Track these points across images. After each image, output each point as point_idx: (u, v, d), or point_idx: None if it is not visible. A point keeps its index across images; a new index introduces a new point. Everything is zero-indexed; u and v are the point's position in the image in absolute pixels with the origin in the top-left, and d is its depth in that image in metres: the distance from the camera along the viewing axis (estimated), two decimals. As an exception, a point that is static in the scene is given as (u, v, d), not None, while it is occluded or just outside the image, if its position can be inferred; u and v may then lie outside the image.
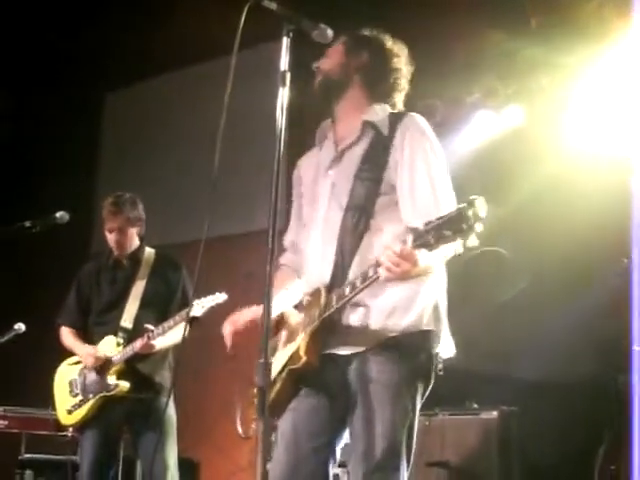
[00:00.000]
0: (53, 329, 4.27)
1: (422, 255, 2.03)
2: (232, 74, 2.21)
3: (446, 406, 4.50)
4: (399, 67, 2.53)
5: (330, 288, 2.33)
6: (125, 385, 3.95)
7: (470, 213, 1.88)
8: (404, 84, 2.56)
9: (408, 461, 2.30)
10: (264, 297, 2.04)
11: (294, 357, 2.32)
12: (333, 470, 2.42)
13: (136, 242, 4.18)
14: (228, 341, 2.47)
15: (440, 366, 2.38)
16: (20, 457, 5.10)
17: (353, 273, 2.31)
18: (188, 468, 4.96)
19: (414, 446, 2.32)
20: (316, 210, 2.49)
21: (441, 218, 1.93)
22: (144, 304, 4.08)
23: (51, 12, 6.56)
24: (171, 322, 3.87)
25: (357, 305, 2.33)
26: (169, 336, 3.92)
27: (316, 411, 2.39)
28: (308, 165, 2.63)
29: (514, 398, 4.52)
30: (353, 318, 2.34)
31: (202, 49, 6.34)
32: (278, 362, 2.39)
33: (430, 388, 2.38)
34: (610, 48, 4.71)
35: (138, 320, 4.03)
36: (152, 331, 3.87)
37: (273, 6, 2.20)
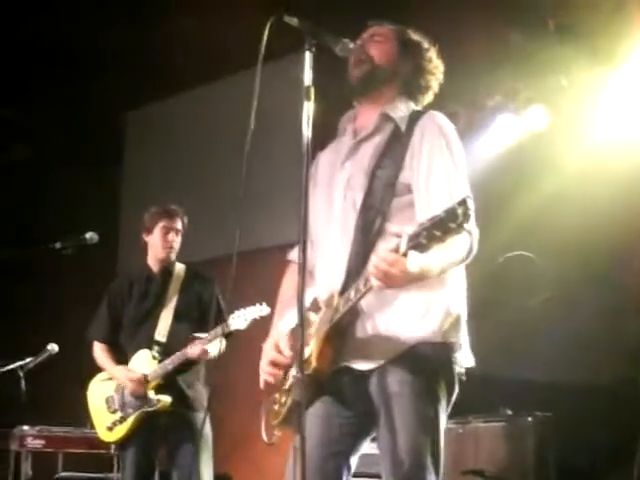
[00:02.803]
0: (85, 348, 4.30)
1: (414, 257, 2.00)
2: (257, 89, 2.22)
3: (479, 413, 4.47)
4: (436, 73, 2.55)
5: (342, 292, 2.30)
6: (167, 400, 3.97)
7: (460, 212, 1.88)
8: (435, 86, 2.57)
9: (437, 472, 2.27)
10: (297, 310, 2.05)
11: (306, 363, 2.27)
12: None
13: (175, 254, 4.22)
14: (266, 379, 2.45)
15: (462, 372, 2.35)
16: (57, 476, 5.15)
17: None
18: (222, 482, 4.97)
19: (442, 457, 2.29)
20: (331, 205, 2.46)
21: (433, 219, 1.92)
22: (177, 317, 4.11)
23: (70, 32, 6.63)
24: (213, 333, 3.89)
25: (369, 315, 2.30)
26: (211, 347, 3.94)
27: (332, 419, 2.37)
28: (326, 157, 2.60)
29: (548, 403, 4.47)
30: (367, 329, 2.31)
31: (222, 65, 6.37)
32: (294, 368, 2.38)
33: (454, 397, 2.35)
34: (630, 47, 4.68)
35: (172, 334, 4.06)
36: (203, 338, 3.89)
37: (295, 22, 2.21)
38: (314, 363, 2.26)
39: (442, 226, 1.89)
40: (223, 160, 6.03)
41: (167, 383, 3.99)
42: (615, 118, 4.86)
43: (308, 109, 2.16)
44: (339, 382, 2.33)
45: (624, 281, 4.73)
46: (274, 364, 2.42)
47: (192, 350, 3.91)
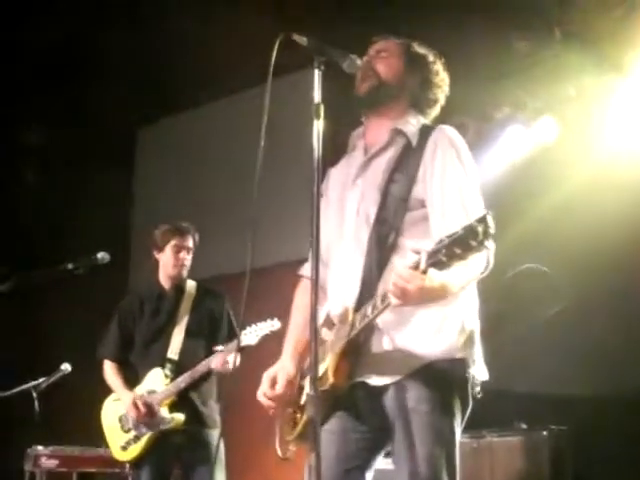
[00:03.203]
0: (97, 367, 4.30)
1: (434, 275, 2.00)
2: (267, 105, 2.22)
3: (494, 427, 4.44)
4: (442, 86, 2.56)
5: (357, 308, 2.30)
6: (180, 418, 3.97)
7: (480, 229, 1.85)
8: (442, 99, 2.58)
9: None
10: (310, 327, 2.04)
11: (322, 379, 2.29)
12: None
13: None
14: (268, 407, 2.47)
15: (477, 389, 2.35)
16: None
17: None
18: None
19: (458, 472, 2.29)
20: (343, 220, 2.47)
21: (451, 236, 1.90)
22: (189, 335, 4.11)
23: (79, 47, 6.66)
24: (230, 345, 3.92)
25: (385, 332, 2.30)
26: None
27: (348, 434, 2.37)
28: (337, 174, 2.61)
29: (563, 417, 4.44)
30: (382, 346, 2.31)
31: (232, 81, 6.39)
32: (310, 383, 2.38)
33: (469, 412, 2.34)
34: (638, 54, 4.67)
35: (184, 351, 4.07)
36: (223, 349, 3.92)
37: (304, 41, 2.22)
38: (331, 379, 2.26)
39: (462, 244, 1.88)
40: (233, 176, 6.03)
41: (180, 401, 3.99)
42: (624, 127, 4.85)
43: (318, 126, 2.17)
44: (354, 397, 2.33)
45: (637, 291, 4.70)
46: (266, 396, 2.46)
47: (215, 361, 3.92)
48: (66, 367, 4.79)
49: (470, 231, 1.87)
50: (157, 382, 4.03)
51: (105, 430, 4.19)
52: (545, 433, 4.32)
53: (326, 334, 2.39)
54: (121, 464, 4.46)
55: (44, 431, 4.88)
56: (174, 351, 4.07)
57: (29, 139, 7.27)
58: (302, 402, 2.41)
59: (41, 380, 4.81)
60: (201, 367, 3.96)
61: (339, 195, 2.54)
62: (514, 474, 4.32)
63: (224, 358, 3.91)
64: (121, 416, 4.12)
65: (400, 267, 2.04)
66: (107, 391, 4.28)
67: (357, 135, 2.61)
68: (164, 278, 4.23)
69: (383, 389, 2.31)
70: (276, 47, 2.19)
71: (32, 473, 5.11)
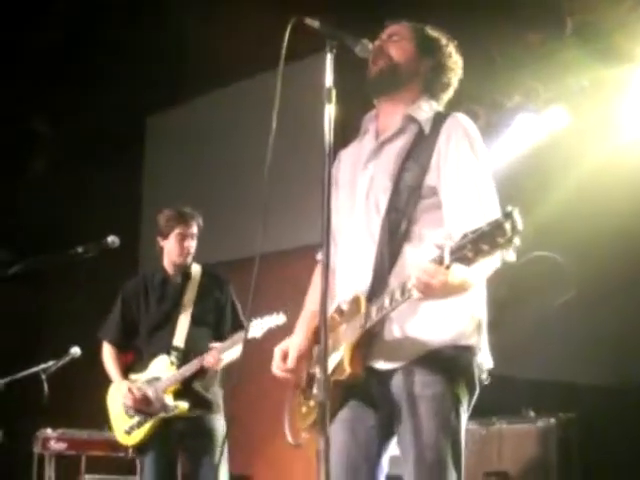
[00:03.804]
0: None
1: (458, 270, 1.98)
2: (279, 92, 2.21)
3: (502, 415, 4.45)
4: (455, 69, 2.54)
5: (369, 297, 2.30)
6: (184, 406, 3.98)
7: (508, 226, 1.83)
8: (456, 83, 2.56)
9: (458, 472, 2.28)
10: (320, 314, 2.05)
11: (339, 369, 2.29)
12: None
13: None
14: (282, 378, 2.52)
15: (484, 376, 2.36)
16: (80, 478, 5.18)
17: (392, 283, 2.26)
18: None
19: (463, 458, 2.30)
20: (353, 206, 2.46)
21: (477, 231, 1.88)
22: (195, 322, 4.11)
23: (87, 38, 6.67)
24: (230, 341, 3.92)
25: (394, 318, 2.30)
26: (227, 354, 3.96)
27: (363, 421, 2.38)
28: (348, 157, 2.59)
29: (571, 404, 4.44)
30: (390, 331, 2.31)
31: (241, 67, 6.38)
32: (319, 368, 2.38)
33: (475, 399, 2.35)
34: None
35: (190, 339, 4.06)
36: (219, 346, 3.92)
37: (316, 24, 2.21)
38: (348, 369, 2.26)
39: (489, 240, 1.85)
40: (244, 162, 6.04)
41: (185, 388, 4.00)
42: (636, 117, 4.83)
43: (329, 111, 2.16)
44: (367, 384, 2.33)
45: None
46: (280, 369, 2.51)
47: (207, 359, 3.94)
48: (75, 351, 4.81)
49: (497, 227, 1.84)
50: (162, 369, 4.04)
51: (110, 414, 4.20)
52: (553, 420, 4.32)
53: (339, 323, 2.38)
54: (126, 448, 4.47)
55: (53, 414, 4.91)
56: (180, 339, 4.06)
57: (38, 126, 7.29)
58: (314, 389, 2.40)
59: (50, 363, 4.83)
60: (195, 364, 3.95)
61: (350, 178, 2.52)
62: (522, 461, 4.33)
63: (217, 357, 3.91)
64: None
65: (424, 261, 2.03)
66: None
67: (369, 118, 2.59)
68: (169, 264, 4.21)
69: (391, 373, 2.31)
70: (288, 31, 2.19)
71: (41, 455, 5.16)
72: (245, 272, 2.40)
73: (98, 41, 6.59)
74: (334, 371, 2.31)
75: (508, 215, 1.85)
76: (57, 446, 5.12)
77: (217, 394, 4.10)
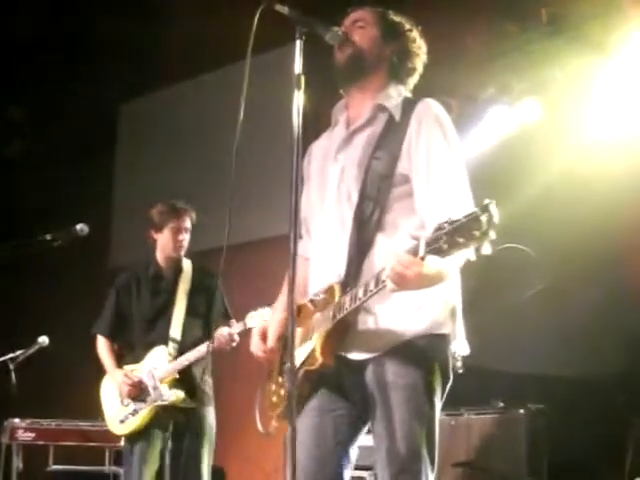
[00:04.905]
0: (75, 340, 4.29)
1: (432, 261, 1.98)
2: (247, 78, 2.21)
3: (471, 405, 4.46)
4: (420, 54, 2.54)
5: (343, 287, 2.29)
6: (180, 395, 4.04)
7: (484, 219, 1.83)
8: (421, 67, 2.56)
9: (432, 463, 2.27)
10: (287, 305, 2.05)
11: (310, 358, 2.29)
12: (351, 473, 2.39)
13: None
14: (261, 358, 2.52)
15: (459, 364, 2.36)
16: (48, 469, 5.14)
17: (366, 273, 2.26)
18: (215, 476, 4.97)
19: (437, 447, 2.30)
20: (325, 197, 2.45)
21: (453, 223, 1.87)
22: (189, 314, 4.17)
23: (63, 25, 6.60)
24: (237, 325, 3.98)
25: (367, 309, 2.29)
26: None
27: (332, 410, 2.38)
28: (319, 150, 2.58)
29: (540, 396, 4.47)
30: (364, 322, 2.31)
31: (214, 56, 6.34)
32: (295, 360, 2.37)
33: (449, 388, 2.35)
34: (622, 37, 4.66)
35: (186, 330, 4.13)
36: (231, 326, 4.00)
37: (285, 10, 2.20)
38: (320, 359, 2.26)
39: (465, 233, 1.85)
40: (215, 152, 5.99)
41: (181, 378, 4.05)
42: (609, 109, 4.85)
43: (298, 98, 2.15)
44: (337, 373, 2.33)
45: (617, 274, 4.72)
46: (260, 349, 2.51)
47: (219, 340, 3.97)
48: (43, 340, 4.78)
49: (474, 220, 1.84)
50: (160, 360, 4.07)
51: (103, 404, 4.22)
52: (522, 411, 4.34)
53: (312, 312, 2.38)
54: (101, 439, 4.55)
55: (21, 404, 4.87)
56: (176, 330, 4.12)
57: (11, 113, 7.22)
58: (284, 379, 2.40)
59: (18, 353, 4.80)
60: (205, 348, 3.99)
61: (320, 169, 2.52)
62: (491, 451, 4.35)
63: (229, 337, 3.97)
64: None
65: (399, 252, 2.02)
66: (88, 365, 4.28)
67: (339, 108, 2.58)
68: (162, 258, 4.26)
69: (364, 364, 2.30)
70: (257, 16, 2.18)
71: (9, 446, 5.10)
72: (214, 262, 2.39)
73: (75, 28, 6.55)
74: (305, 361, 2.31)
75: (485, 208, 1.84)
76: (25, 436, 5.07)
77: (208, 384, 4.17)
